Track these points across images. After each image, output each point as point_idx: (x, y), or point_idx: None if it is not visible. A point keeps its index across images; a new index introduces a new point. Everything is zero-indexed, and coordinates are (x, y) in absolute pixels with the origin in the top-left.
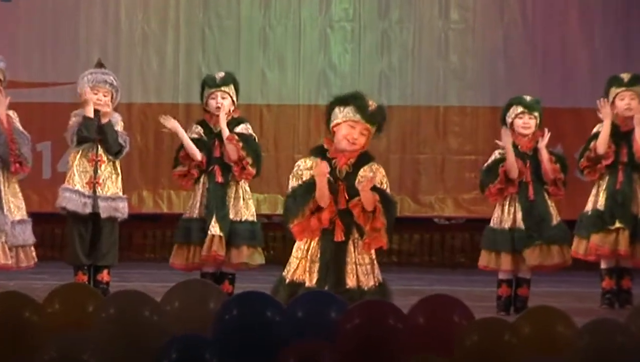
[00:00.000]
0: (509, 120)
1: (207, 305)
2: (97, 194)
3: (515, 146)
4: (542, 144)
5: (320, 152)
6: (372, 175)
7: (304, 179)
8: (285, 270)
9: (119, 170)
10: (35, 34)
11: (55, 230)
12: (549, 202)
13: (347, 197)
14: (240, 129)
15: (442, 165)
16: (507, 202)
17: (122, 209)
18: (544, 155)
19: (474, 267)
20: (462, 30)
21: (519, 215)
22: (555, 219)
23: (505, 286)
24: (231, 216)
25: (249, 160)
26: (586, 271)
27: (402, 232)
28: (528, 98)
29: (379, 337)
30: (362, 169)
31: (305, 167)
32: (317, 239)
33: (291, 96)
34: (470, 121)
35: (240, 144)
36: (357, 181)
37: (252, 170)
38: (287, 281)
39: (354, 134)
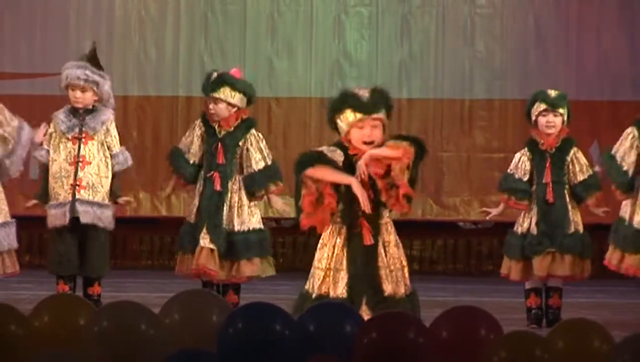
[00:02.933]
0: (533, 117)
1: (210, 317)
2: (77, 197)
3: (536, 144)
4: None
5: (342, 148)
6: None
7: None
8: (308, 283)
9: (109, 173)
10: (22, 20)
11: (43, 235)
12: (570, 207)
13: (372, 197)
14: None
15: (467, 164)
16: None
17: (106, 219)
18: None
19: None
20: (489, 15)
21: (535, 219)
22: (574, 227)
23: (534, 296)
24: (236, 227)
25: None
26: (624, 280)
27: (424, 237)
28: (553, 93)
29: (398, 353)
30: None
31: (329, 150)
32: (340, 246)
33: (302, 88)
34: (498, 116)
35: None
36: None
37: None
38: (314, 295)
39: (366, 132)
